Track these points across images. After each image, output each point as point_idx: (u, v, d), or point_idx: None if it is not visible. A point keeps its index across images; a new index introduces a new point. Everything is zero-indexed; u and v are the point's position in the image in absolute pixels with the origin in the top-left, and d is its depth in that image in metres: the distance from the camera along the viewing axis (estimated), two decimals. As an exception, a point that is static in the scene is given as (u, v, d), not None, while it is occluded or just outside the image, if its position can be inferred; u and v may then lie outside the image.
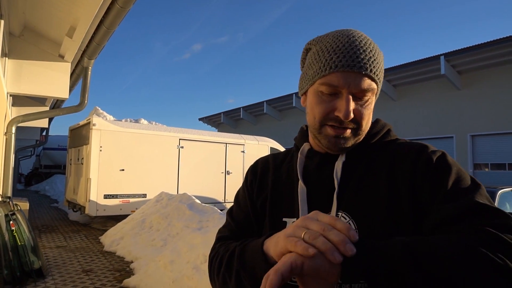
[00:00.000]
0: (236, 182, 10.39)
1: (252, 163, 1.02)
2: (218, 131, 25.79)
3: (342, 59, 0.74)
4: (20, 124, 6.24)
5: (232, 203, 1.01)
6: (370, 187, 0.77)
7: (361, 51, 0.74)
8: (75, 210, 9.12)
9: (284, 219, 0.84)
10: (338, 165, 0.80)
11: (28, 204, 6.59)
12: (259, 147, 11.33)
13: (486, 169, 14.23)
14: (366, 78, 0.74)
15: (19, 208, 4.90)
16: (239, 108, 24.55)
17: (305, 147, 0.89)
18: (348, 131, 0.77)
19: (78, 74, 7.15)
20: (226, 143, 10.59)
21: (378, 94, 0.82)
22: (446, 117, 14.89)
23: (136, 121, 12.23)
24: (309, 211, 0.78)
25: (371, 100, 0.79)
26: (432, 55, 14.43)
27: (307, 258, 0.55)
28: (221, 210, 6.37)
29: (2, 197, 5.08)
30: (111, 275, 4.85)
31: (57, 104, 10.21)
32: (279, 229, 0.81)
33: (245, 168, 10.47)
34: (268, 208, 0.88)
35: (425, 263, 0.56)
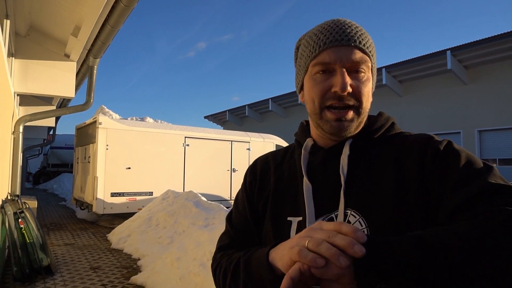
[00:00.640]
0: (241, 179, 10.33)
1: None
2: (224, 128, 25.84)
3: (329, 36, 0.75)
4: (27, 124, 6.31)
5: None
6: (377, 182, 0.74)
7: (347, 27, 0.76)
8: (82, 208, 9.21)
9: (289, 218, 0.81)
10: (344, 160, 0.78)
11: (36, 203, 6.67)
12: (265, 144, 11.33)
13: (495, 165, 13.98)
14: (357, 51, 0.75)
15: (27, 206, 4.96)
16: (244, 106, 24.52)
17: (309, 142, 0.87)
18: (350, 112, 0.75)
19: (83, 73, 7.19)
20: (231, 141, 10.61)
21: (374, 72, 0.81)
22: (453, 113, 14.74)
23: (142, 119, 12.29)
24: (315, 209, 0.77)
25: (368, 77, 0.77)
26: (438, 50, 14.28)
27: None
28: (227, 207, 6.39)
29: (10, 196, 5.14)
30: (118, 272, 4.89)
31: (63, 103, 10.29)
32: (283, 229, 0.79)
33: (251, 165, 10.46)
34: (270, 209, 0.85)
35: (441, 253, 0.53)
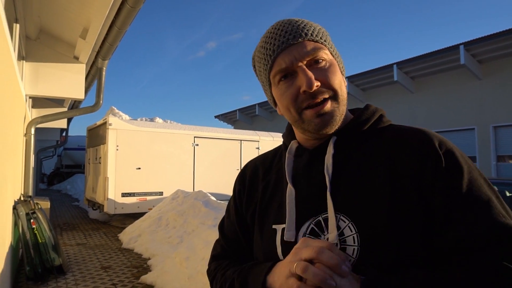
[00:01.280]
0: (251, 178, 10.39)
1: None
2: (234, 128, 25.86)
3: (275, 42, 0.73)
4: (40, 125, 6.40)
5: None
6: (368, 183, 0.69)
7: (288, 26, 0.74)
8: (94, 208, 9.33)
9: (273, 227, 0.78)
10: (328, 160, 0.74)
11: (49, 203, 6.77)
12: (274, 143, 11.29)
13: (510, 161, 13.74)
14: (307, 42, 0.72)
15: (39, 207, 5.04)
16: (255, 105, 24.50)
17: (293, 145, 0.83)
18: (328, 104, 0.72)
19: (93, 75, 7.27)
20: (240, 140, 10.61)
21: (335, 53, 0.77)
22: (467, 109, 14.43)
23: (152, 120, 12.39)
24: (300, 215, 0.73)
25: (331, 62, 0.74)
26: (451, 45, 14.00)
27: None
28: (236, 206, 6.37)
29: (23, 197, 5.23)
30: (128, 272, 4.93)
31: (75, 105, 10.45)
32: (269, 238, 0.78)
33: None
34: (258, 218, 0.83)
35: None
